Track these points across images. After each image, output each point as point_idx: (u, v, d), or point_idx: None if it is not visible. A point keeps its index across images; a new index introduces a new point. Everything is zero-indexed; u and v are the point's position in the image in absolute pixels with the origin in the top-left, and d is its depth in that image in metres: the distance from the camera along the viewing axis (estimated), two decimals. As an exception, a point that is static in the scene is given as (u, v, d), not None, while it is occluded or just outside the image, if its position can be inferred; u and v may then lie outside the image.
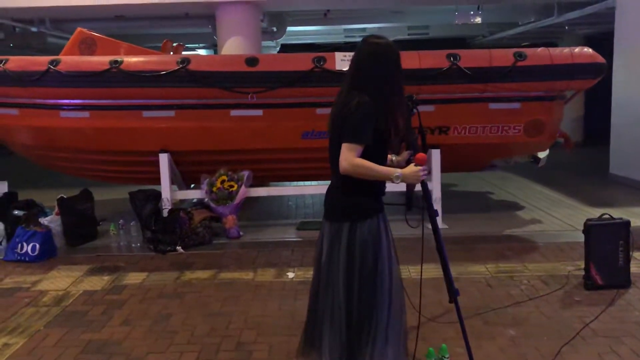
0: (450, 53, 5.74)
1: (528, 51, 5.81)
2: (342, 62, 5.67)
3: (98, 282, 4.83)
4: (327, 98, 5.71)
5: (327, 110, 5.68)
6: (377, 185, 2.71)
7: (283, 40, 13.61)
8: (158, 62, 5.74)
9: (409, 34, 14.55)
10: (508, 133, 6.08)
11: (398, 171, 2.57)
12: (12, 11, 8.84)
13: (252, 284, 4.75)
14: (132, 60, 5.74)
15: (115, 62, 5.67)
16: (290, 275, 4.91)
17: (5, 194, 6.44)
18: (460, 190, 8.55)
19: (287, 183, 7.96)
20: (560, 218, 6.53)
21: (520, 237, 5.85)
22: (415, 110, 3.37)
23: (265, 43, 12.50)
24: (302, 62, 5.71)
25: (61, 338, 3.77)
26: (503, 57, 5.75)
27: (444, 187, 8.11)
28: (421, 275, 3.37)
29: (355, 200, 2.70)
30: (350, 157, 2.53)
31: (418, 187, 3.09)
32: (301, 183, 7.71)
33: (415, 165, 2.61)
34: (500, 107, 5.98)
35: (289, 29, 12.00)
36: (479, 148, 6.20)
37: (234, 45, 8.42)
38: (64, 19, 10.26)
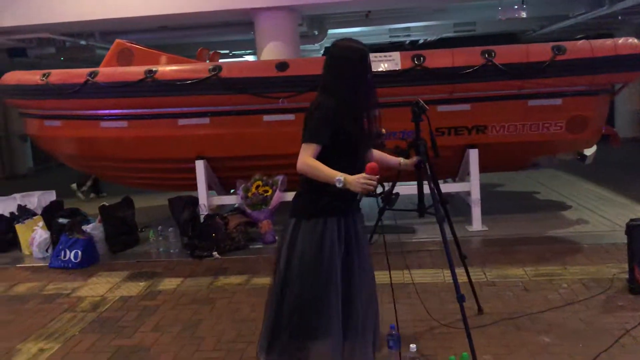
0: (485, 50, 5.56)
1: (567, 44, 5.56)
2: (373, 62, 5.56)
3: (134, 288, 4.94)
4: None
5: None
6: (331, 187, 2.61)
7: (327, 42, 13.61)
8: (191, 71, 5.83)
9: (455, 31, 14.27)
10: (549, 130, 5.84)
11: (340, 175, 2.50)
12: (63, 26, 9.18)
13: (284, 289, 4.74)
14: (166, 70, 5.86)
15: (150, 71, 5.80)
16: (322, 280, 4.87)
17: (52, 202, 6.70)
18: (505, 190, 8.29)
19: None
20: (609, 217, 6.23)
21: (564, 238, 5.61)
22: (423, 116, 3.36)
23: (307, 47, 12.54)
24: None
25: (93, 344, 3.86)
26: (541, 51, 5.53)
27: (488, 187, 7.92)
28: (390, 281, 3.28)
29: (305, 199, 2.74)
30: (304, 156, 2.58)
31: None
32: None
33: (366, 173, 2.49)
34: (540, 103, 5.75)
35: (331, 31, 11.97)
36: (519, 146, 5.98)
37: (273, 51, 8.44)
38: (111, 31, 10.59)
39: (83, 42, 10.66)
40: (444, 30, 14.29)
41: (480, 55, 5.55)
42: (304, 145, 2.59)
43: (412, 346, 3.14)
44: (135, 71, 5.87)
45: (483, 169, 6.03)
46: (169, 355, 3.64)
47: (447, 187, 6.87)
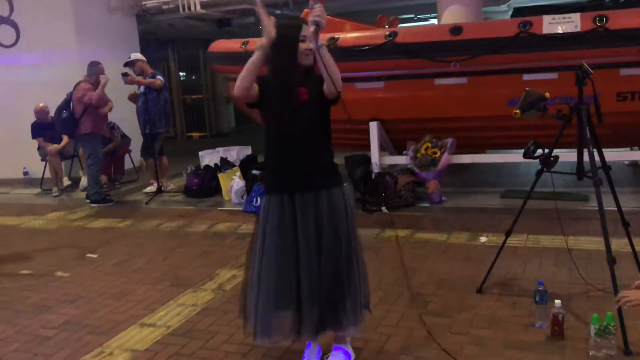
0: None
1: None
2: (550, 25, 5.47)
3: (311, 233, 5.57)
4: (533, 63, 5.67)
5: (534, 76, 5.69)
6: (275, 164, 2.80)
7: (517, 3, 13.05)
8: (369, 37, 6.22)
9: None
10: None
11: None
12: (261, -2, 10.14)
13: (444, 245, 5.03)
14: (347, 37, 6.31)
15: (332, 39, 6.30)
16: (483, 239, 5.06)
17: (247, 156, 7.66)
18: None
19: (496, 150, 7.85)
20: None
21: None
22: (587, 80, 3.35)
23: (494, 8, 12.17)
24: (507, 28, 5.66)
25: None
26: None
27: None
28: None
29: (266, 175, 2.93)
30: None
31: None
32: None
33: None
34: None
35: (522, -9, 11.49)
36: None
37: (453, 14, 8.44)
38: (304, 0, 11.37)
39: (278, 12, 11.60)
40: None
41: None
42: None
43: (557, 301, 3.26)
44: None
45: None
46: (335, 290, 4.16)
47: (631, 155, 6.50)
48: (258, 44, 2.58)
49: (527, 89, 3.61)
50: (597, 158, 3.49)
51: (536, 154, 3.69)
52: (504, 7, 12.62)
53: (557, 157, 3.67)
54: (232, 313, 3.86)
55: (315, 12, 2.48)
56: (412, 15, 15.25)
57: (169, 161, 8.35)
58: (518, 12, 14.08)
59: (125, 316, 3.94)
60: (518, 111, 3.61)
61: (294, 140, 2.72)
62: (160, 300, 4.18)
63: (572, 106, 3.53)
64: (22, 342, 3.63)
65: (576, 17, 5.43)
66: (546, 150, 3.66)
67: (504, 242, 3.94)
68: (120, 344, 3.52)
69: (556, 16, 5.47)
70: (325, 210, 2.73)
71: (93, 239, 5.98)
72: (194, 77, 16.54)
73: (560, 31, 5.44)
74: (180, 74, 16.22)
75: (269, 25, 2.56)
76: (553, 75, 5.59)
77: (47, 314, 4.05)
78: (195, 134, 16.03)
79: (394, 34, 6.06)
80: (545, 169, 3.68)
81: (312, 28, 2.51)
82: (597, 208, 5.55)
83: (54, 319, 3.97)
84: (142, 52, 9.69)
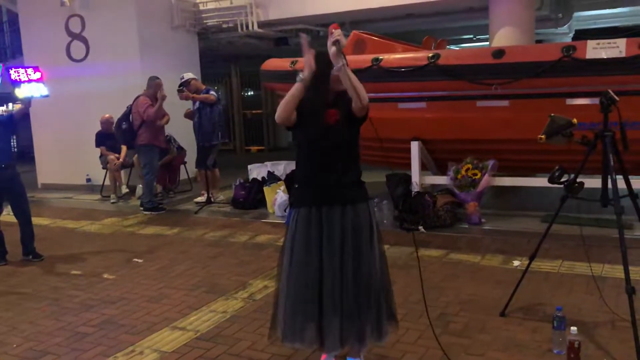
0: None
1: None
2: (594, 50, 5.42)
3: (346, 249, 5.69)
4: (576, 88, 5.61)
5: (577, 101, 5.63)
6: (305, 178, 2.96)
7: (576, 25, 12.82)
8: (412, 59, 6.32)
9: None
10: None
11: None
12: (317, 18, 10.42)
13: (476, 267, 5.04)
14: (390, 58, 6.43)
15: (377, 60, 6.44)
16: (516, 263, 5.03)
17: (292, 171, 7.85)
18: None
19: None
20: None
21: None
22: (612, 107, 3.35)
23: (553, 30, 12.00)
24: (550, 52, 5.63)
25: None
26: None
27: None
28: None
29: (294, 189, 3.05)
30: None
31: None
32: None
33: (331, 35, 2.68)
34: None
35: (578, 14, 11.29)
36: None
37: (505, 36, 8.44)
38: (360, 20, 11.56)
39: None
40: None
41: None
42: None
43: (573, 328, 3.25)
44: (364, 59, 6.56)
45: None
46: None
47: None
48: (299, 76, 2.74)
49: (551, 114, 3.63)
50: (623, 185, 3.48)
51: (561, 180, 3.70)
52: (564, 29, 12.41)
53: (582, 183, 3.66)
54: (258, 321, 4.03)
55: (335, 34, 2.67)
56: (472, 36, 15.20)
57: (226, 173, 8.68)
58: (581, 34, 13.85)
59: (159, 319, 4.18)
60: (543, 136, 3.64)
61: (324, 157, 2.90)
62: (193, 306, 4.40)
63: (596, 133, 3.53)
64: (64, 337, 3.91)
65: (621, 42, 5.35)
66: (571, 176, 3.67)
67: (528, 265, 3.96)
68: (151, 344, 3.74)
69: (601, 41, 5.41)
70: (350, 224, 2.88)
71: (141, 245, 6.32)
72: (256, 93, 17.01)
73: (604, 56, 5.38)
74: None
75: (310, 58, 2.76)
76: (597, 100, 5.49)
77: (89, 313, 4.35)
78: (253, 148, 16.47)
79: (436, 56, 6.14)
80: (570, 195, 3.67)
81: (333, 49, 2.68)
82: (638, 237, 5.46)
83: (95, 317, 4.25)
84: (205, 68, 10.17)
